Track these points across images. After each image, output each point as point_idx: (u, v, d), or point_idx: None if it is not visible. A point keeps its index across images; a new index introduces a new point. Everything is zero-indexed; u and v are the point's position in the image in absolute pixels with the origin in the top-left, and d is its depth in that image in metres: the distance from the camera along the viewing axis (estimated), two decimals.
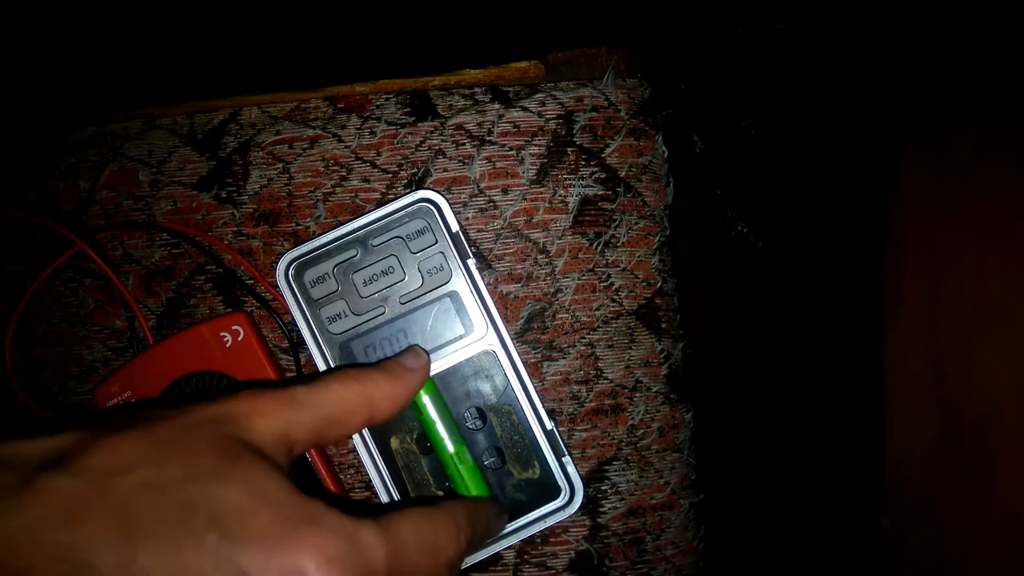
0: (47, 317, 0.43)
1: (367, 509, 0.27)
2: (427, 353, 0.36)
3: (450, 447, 0.37)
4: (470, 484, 0.37)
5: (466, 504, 0.31)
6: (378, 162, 0.41)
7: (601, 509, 0.41)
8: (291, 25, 0.53)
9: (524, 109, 0.42)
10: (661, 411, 0.42)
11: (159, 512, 0.22)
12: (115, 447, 0.24)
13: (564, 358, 0.41)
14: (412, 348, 0.36)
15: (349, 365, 0.38)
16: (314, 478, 0.38)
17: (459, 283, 0.39)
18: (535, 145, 0.42)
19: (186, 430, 0.25)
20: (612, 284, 0.42)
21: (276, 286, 0.39)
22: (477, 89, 0.43)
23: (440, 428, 0.37)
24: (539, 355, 0.41)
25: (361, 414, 0.30)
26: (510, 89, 0.43)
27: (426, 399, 0.37)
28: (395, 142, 0.41)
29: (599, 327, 0.42)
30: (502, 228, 0.41)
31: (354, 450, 0.39)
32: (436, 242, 0.39)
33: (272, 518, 0.23)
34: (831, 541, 0.57)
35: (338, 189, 0.41)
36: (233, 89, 0.43)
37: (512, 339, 0.39)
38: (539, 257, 0.41)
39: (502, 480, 0.39)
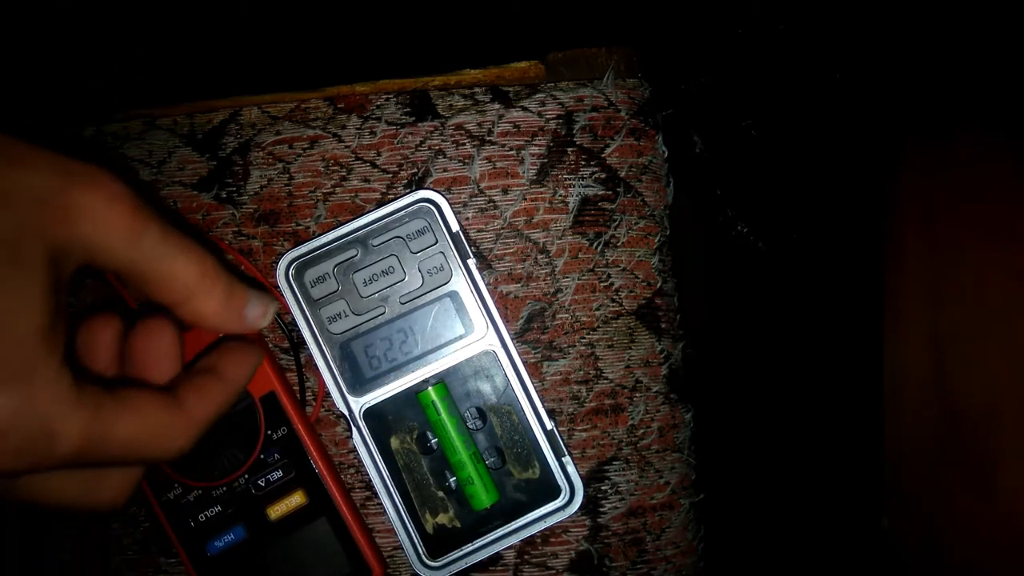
0: None
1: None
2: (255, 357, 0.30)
3: (468, 448, 0.37)
4: (487, 485, 0.37)
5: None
6: (378, 162, 0.41)
7: (601, 509, 0.41)
8: (291, 25, 0.53)
9: (524, 109, 0.42)
10: (661, 411, 0.42)
11: None
12: None
13: (564, 358, 0.41)
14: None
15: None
16: (318, 482, 0.38)
17: (459, 283, 0.39)
18: (535, 145, 0.42)
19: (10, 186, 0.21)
20: (612, 284, 0.42)
21: (276, 286, 0.39)
22: (477, 89, 0.43)
23: (454, 430, 0.37)
24: (539, 355, 0.41)
25: (183, 303, 0.25)
26: (510, 89, 0.43)
27: (438, 402, 0.38)
28: (395, 142, 0.41)
29: (599, 327, 0.42)
30: (502, 228, 0.41)
31: (354, 450, 0.39)
32: (436, 242, 0.39)
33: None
34: (831, 541, 0.57)
35: (338, 189, 0.41)
36: (233, 89, 0.43)
37: (512, 339, 0.39)
38: (539, 257, 0.41)
39: (502, 480, 0.39)
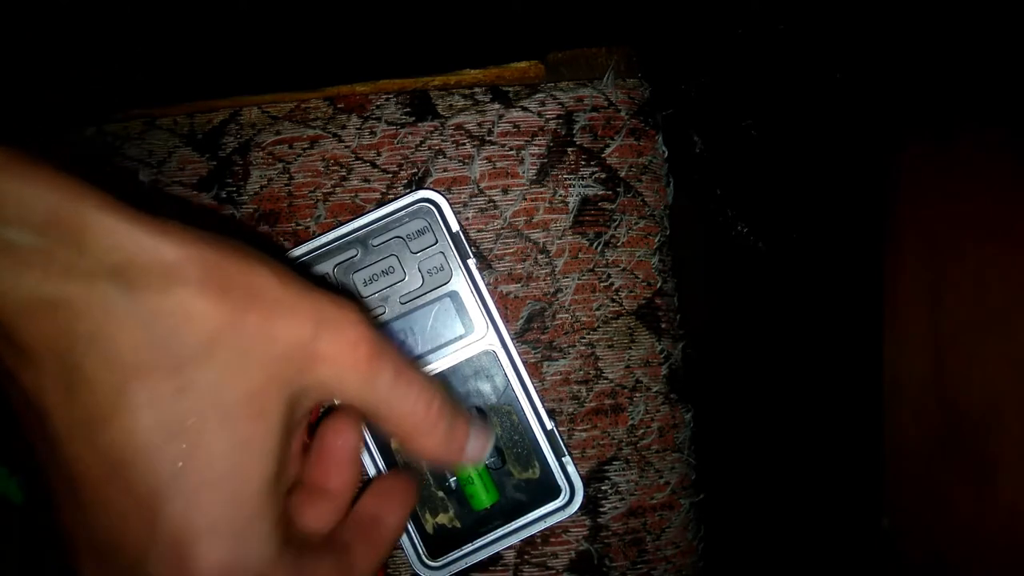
0: None
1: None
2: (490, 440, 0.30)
3: None
4: (487, 485, 0.37)
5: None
6: (378, 162, 0.41)
7: (601, 509, 0.41)
8: (291, 25, 0.53)
9: (524, 109, 0.42)
10: (661, 411, 0.42)
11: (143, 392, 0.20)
12: (190, 300, 0.21)
13: (564, 358, 0.41)
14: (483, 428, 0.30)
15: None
16: None
17: (459, 283, 0.39)
18: (535, 145, 0.42)
19: (262, 333, 0.22)
20: (612, 284, 0.42)
21: None
22: (477, 89, 0.43)
23: None
24: (539, 355, 0.41)
25: (408, 438, 0.26)
26: (510, 89, 0.43)
27: None
28: (395, 142, 0.41)
29: (599, 327, 0.42)
30: (502, 228, 0.41)
31: None
32: (436, 242, 0.39)
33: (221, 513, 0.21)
34: (831, 541, 0.57)
35: (338, 189, 0.41)
36: (233, 89, 0.43)
37: (512, 339, 0.39)
38: (539, 257, 0.41)
39: (502, 480, 0.39)
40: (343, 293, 0.25)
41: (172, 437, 0.21)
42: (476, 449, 0.28)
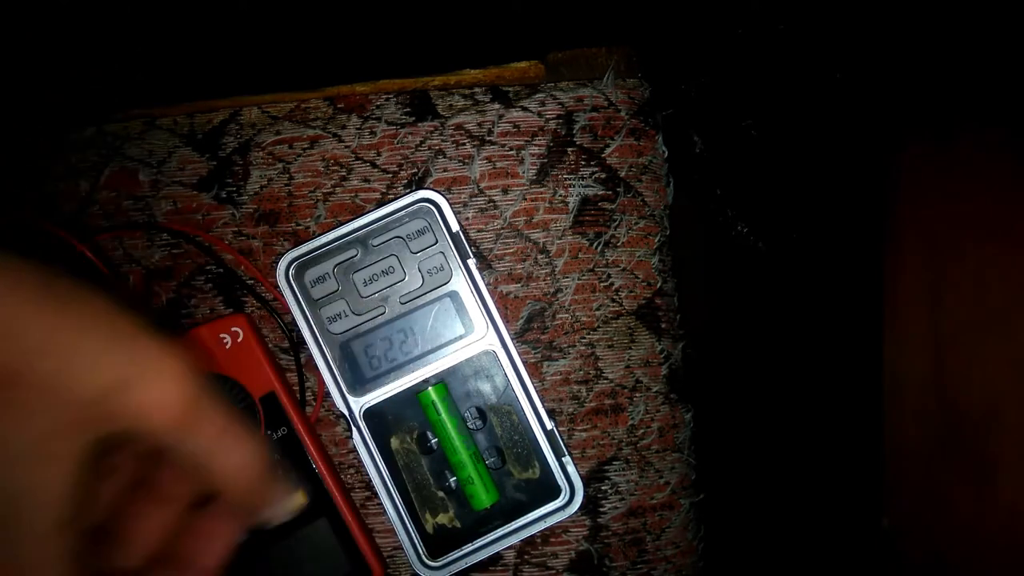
0: None
1: None
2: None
3: (468, 448, 0.37)
4: (487, 485, 0.37)
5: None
6: (378, 162, 0.41)
7: (601, 509, 0.41)
8: (291, 25, 0.53)
9: (524, 109, 0.42)
10: (661, 411, 0.42)
11: None
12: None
13: (564, 358, 0.41)
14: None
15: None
16: (318, 482, 0.38)
17: (459, 283, 0.39)
18: (535, 145, 0.42)
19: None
20: (612, 284, 0.42)
21: (276, 286, 0.39)
22: (477, 89, 0.43)
23: (455, 430, 0.37)
24: (539, 355, 0.41)
25: (225, 492, 0.25)
26: (510, 89, 0.43)
27: (438, 402, 0.38)
28: (395, 142, 0.41)
29: (599, 327, 0.42)
30: (502, 228, 0.41)
31: (354, 450, 0.39)
32: (436, 242, 0.39)
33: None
34: (831, 541, 0.57)
35: (338, 189, 0.41)
36: (233, 89, 0.43)
37: (512, 339, 0.39)
38: (539, 257, 0.41)
39: (502, 480, 0.39)
40: (169, 337, 0.24)
41: None
42: (280, 511, 0.27)
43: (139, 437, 0.23)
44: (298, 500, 0.28)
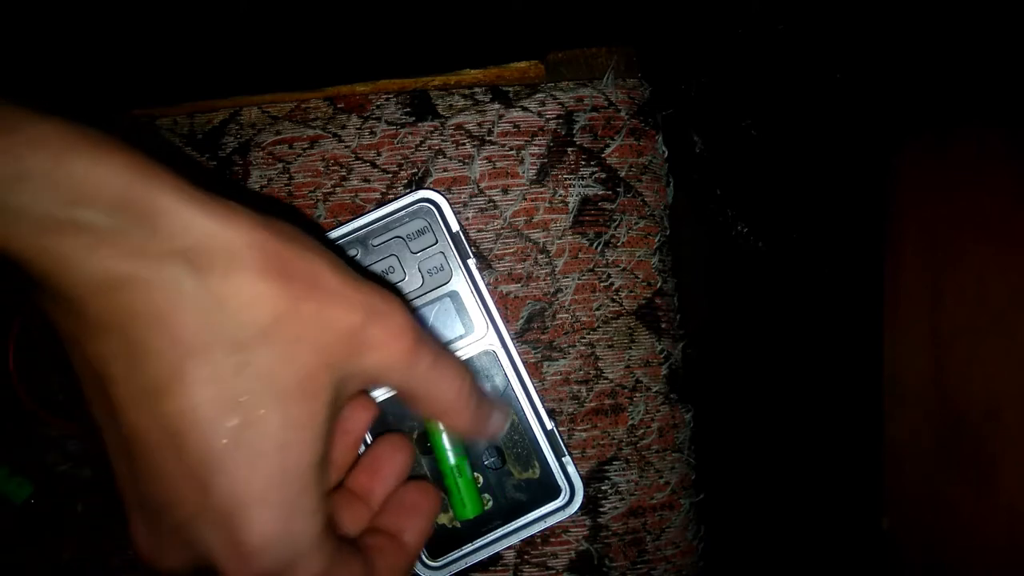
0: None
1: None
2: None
3: (451, 459, 0.36)
4: (466, 498, 0.36)
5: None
6: (378, 162, 0.41)
7: (601, 509, 0.41)
8: (291, 25, 0.53)
9: (524, 109, 0.42)
10: (661, 411, 0.42)
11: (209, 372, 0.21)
12: (251, 285, 0.22)
13: (564, 358, 0.41)
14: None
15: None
16: None
17: (459, 283, 0.39)
18: (535, 145, 0.42)
19: (317, 315, 0.23)
20: (612, 284, 0.42)
21: None
22: (477, 89, 0.43)
23: (444, 437, 0.36)
24: (539, 355, 0.41)
25: (442, 416, 0.29)
26: (510, 89, 0.43)
27: None
28: (395, 142, 0.41)
29: (599, 327, 0.42)
30: (502, 228, 0.41)
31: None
32: (436, 242, 0.39)
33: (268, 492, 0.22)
34: (831, 541, 0.57)
35: (338, 189, 0.41)
36: (233, 89, 0.43)
37: (512, 339, 0.39)
38: (539, 257, 0.41)
39: (502, 480, 0.39)
40: (386, 286, 0.26)
41: (226, 412, 0.22)
42: (496, 425, 0.31)
43: (372, 373, 0.25)
44: (510, 415, 0.33)
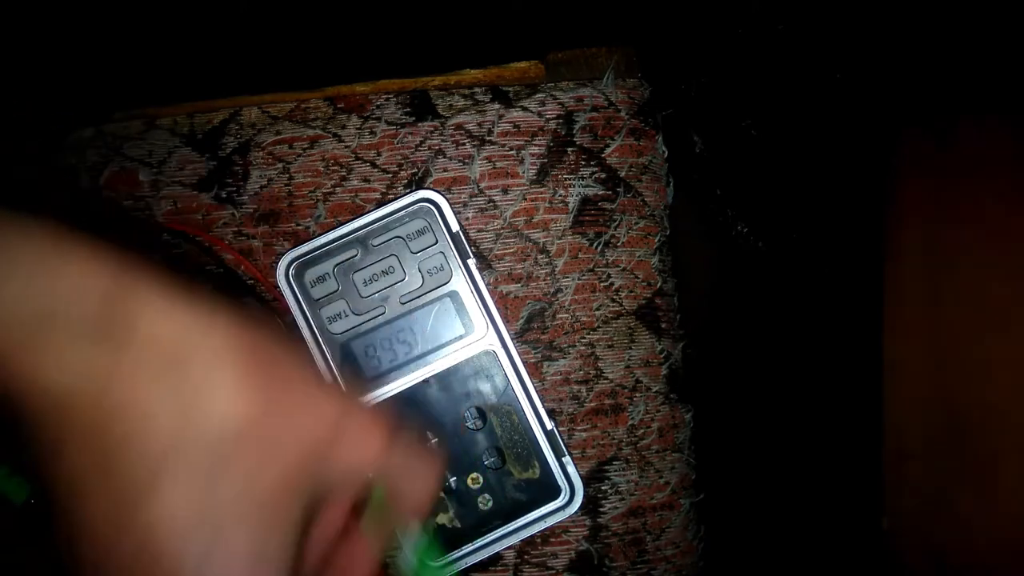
0: None
1: None
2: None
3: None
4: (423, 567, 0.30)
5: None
6: (378, 162, 0.41)
7: (601, 509, 0.41)
8: (291, 25, 0.53)
9: (524, 109, 0.42)
10: (661, 411, 0.42)
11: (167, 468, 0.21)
12: (227, 391, 0.22)
13: (564, 358, 0.41)
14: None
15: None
16: None
17: (459, 283, 0.39)
18: (535, 145, 0.42)
19: (292, 414, 0.23)
20: (612, 284, 0.42)
21: (277, 286, 0.39)
22: (477, 89, 0.43)
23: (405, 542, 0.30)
24: (539, 355, 0.41)
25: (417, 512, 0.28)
26: (510, 89, 0.43)
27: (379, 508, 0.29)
28: (395, 142, 0.41)
29: (599, 327, 0.42)
30: (502, 228, 0.41)
31: None
32: (436, 242, 0.39)
33: None
34: (831, 541, 0.57)
35: (338, 189, 0.41)
36: (233, 89, 0.43)
37: (512, 339, 0.39)
38: (539, 257, 0.41)
39: (502, 480, 0.39)
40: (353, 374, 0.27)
41: (197, 527, 0.21)
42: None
43: (346, 474, 0.25)
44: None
